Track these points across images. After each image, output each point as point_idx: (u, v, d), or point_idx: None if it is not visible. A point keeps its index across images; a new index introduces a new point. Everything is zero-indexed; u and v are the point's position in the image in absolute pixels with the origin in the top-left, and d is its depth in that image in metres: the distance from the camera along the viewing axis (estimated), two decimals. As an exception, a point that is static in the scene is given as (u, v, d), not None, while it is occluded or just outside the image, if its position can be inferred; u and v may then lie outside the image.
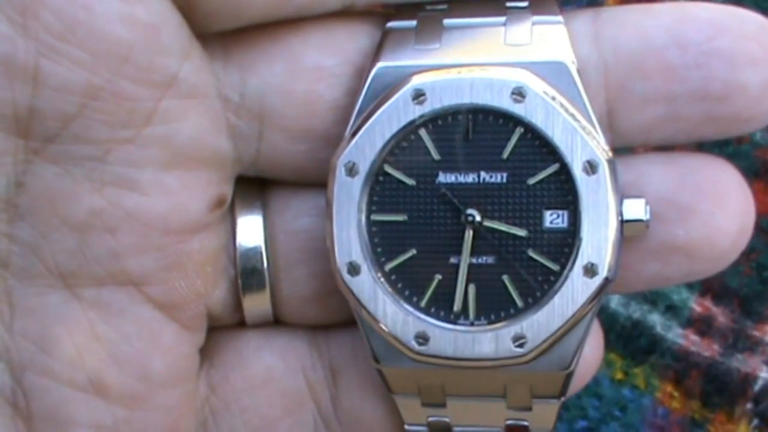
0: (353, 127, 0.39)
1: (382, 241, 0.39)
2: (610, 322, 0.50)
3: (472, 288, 0.38)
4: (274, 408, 0.42)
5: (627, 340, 0.51)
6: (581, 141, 0.37)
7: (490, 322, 0.38)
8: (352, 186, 0.38)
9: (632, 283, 0.40)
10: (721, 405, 0.50)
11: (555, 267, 0.38)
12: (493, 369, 0.38)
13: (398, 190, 0.39)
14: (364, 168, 0.38)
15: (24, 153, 0.37)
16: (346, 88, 0.39)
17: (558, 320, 0.37)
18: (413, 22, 0.39)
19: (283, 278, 0.42)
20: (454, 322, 0.38)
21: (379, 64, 0.39)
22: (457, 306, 0.38)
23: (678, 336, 0.50)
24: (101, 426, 0.39)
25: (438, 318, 0.38)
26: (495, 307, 0.38)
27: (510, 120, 0.38)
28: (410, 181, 0.39)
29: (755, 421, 0.50)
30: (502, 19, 0.39)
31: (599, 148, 0.37)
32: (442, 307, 0.39)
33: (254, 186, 0.42)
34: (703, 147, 0.42)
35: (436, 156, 0.38)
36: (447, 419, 0.41)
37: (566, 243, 0.38)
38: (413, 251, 0.39)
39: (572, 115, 0.37)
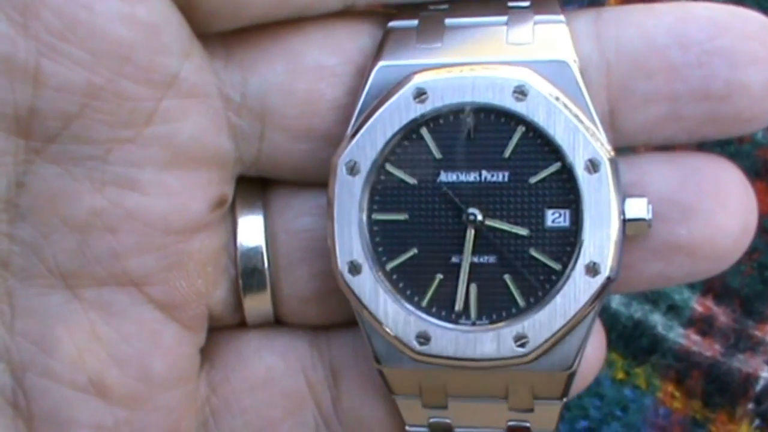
0: (354, 126, 0.39)
1: (384, 241, 0.39)
2: (611, 322, 0.50)
3: (473, 287, 0.38)
4: (274, 408, 0.42)
5: (628, 340, 0.51)
6: (583, 140, 0.37)
7: (492, 322, 0.38)
8: (354, 185, 0.38)
9: (634, 283, 0.40)
10: (722, 405, 0.50)
11: (557, 266, 0.38)
12: (494, 369, 0.38)
13: (399, 189, 0.39)
14: (365, 167, 0.38)
15: (25, 153, 0.37)
16: (347, 87, 0.40)
17: (560, 320, 0.37)
18: (415, 22, 0.39)
19: (284, 278, 0.42)
20: (456, 322, 0.38)
21: (381, 63, 0.39)
22: (458, 305, 0.38)
23: (679, 336, 0.50)
24: (102, 426, 0.39)
25: (439, 318, 0.38)
26: (496, 306, 0.38)
27: (512, 119, 0.38)
28: (411, 180, 0.39)
29: (757, 422, 0.50)
30: (504, 18, 0.39)
31: (601, 147, 0.37)
32: (443, 306, 0.39)
33: (255, 185, 0.42)
34: (704, 147, 0.42)
35: (437, 155, 0.38)
36: (448, 420, 0.41)
37: (568, 242, 0.38)
38: (414, 250, 0.39)
39: (574, 114, 0.37)
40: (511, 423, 0.41)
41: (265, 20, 0.39)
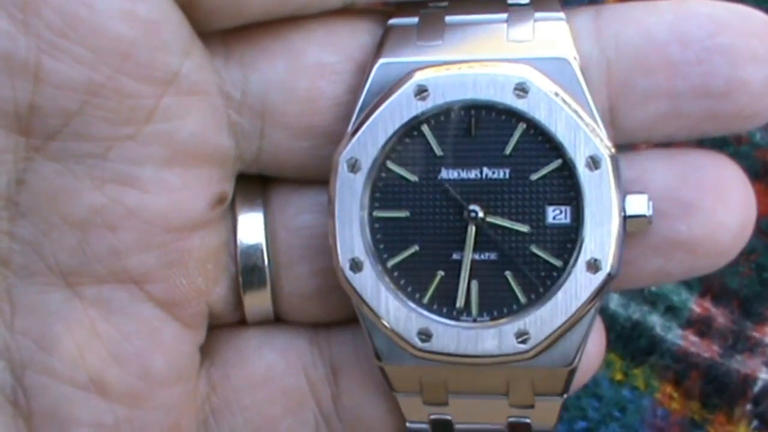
0: (355, 123, 0.39)
1: (385, 238, 0.39)
2: (609, 322, 0.50)
3: (474, 284, 0.39)
4: (274, 406, 0.42)
5: (627, 340, 0.51)
6: (584, 137, 0.37)
7: (493, 319, 0.38)
8: (355, 182, 0.38)
9: (634, 279, 0.40)
10: (720, 406, 0.50)
11: (558, 263, 0.38)
12: (495, 366, 0.39)
13: (400, 187, 0.39)
14: (366, 164, 0.38)
15: (25, 150, 0.37)
16: (347, 84, 0.40)
17: (561, 316, 0.38)
18: (415, 19, 0.40)
19: (284, 276, 0.42)
20: (457, 319, 0.39)
21: (381, 61, 0.39)
22: (459, 302, 0.39)
23: (677, 337, 0.50)
24: (102, 425, 0.39)
25: (441, 314, 0.39)
26: (498, 303, 0.38)
27: (513, 116, 0.38)
28: (413, 177, 0.39)
29: (755, 423, 0.50)
30: (504, 15, 0.39)
31: (602, 144, 0.37)
32: (444, 303, 0.39)
33: (255, 183, 0.42)
34: (702, 146, 0.42)
35: (438, 152, 0.39)
36: (449, 417, 0.41)
37: (569, 239, 0.38)
38: (416, 247, 0.39)
39: (575, 111, 0.37)
40: (511, 419, 0.41)
41: (265, 18, 0.39)
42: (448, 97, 0.38)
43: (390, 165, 0.39)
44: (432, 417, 0.41)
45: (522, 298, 0.38)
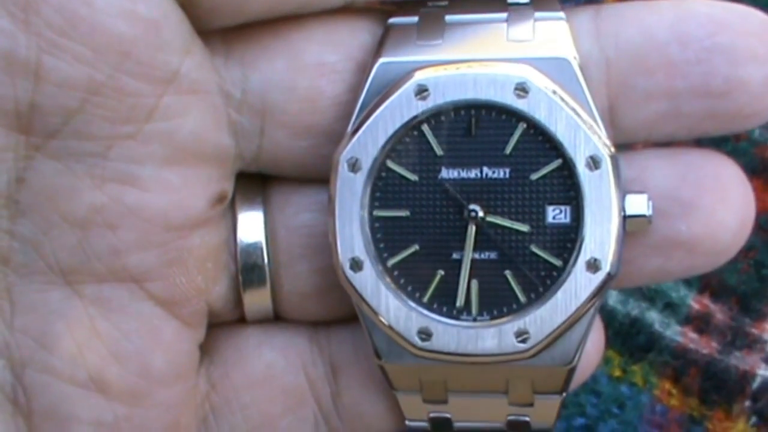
0: (355, 123, 0.39)
1: (385, 237, 0.39)
2: (608, 319, 0.50)
3: (474, 283, 0.39)
4: (274, 405, 0.42)
5: (625, 337, 0.51)
6: (584, 136, 0.38)
7: (493, 318, 0.39)
8: (355, 182, 0.39)
9: (634, 278, 0.41)
10: (719, 402, 0.50)
11: (558, 262, 0.38)
12: (495, 364, 0.39)
13: (401, 186, 0.39)
14: (366, 164, 0.39)
15: (25, 149, 0.37)
16: (348, 84, 0.40)
17: (561, 315, 0.38)
18: (415, 18, 0.40)
19: (284, 274, 0.42)
20: (457, 318, 0.39)
21: (382, 60, 0.39)
22: (459, 301, 0.39)
23: (676, 333, 0.51)
24: (102, 423, 0.39)
25: (441, 314, 0.39)
26: (498, 302, 0.39)
27: (513, 115, 0.38)
28: (413, 177, 0.39)
29: (753, 419, 0.50)
30: (504, 15, 0.39)
31: (602, 144, 0.38)
32: (444, 302, 0.39)
33: (255, 182, 0.42)
34: (701, 144, 0.42)
35: (438, 151, 0.39)
36: (448, 415, 0.41)
37: (569, 238, 0.38)
38: (416, 247, 0.39)
39: (575, 111, 0.38)
40: (510, 418, 0.41)
41: (266, 17, 0.39)
42: (448, 96, 0.38)
43: (390, 164, 0.39)
44: (431, 415, 0.41)
45: (522, 298, 0.39)
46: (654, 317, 0.51)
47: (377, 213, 0.39)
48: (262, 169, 0.41)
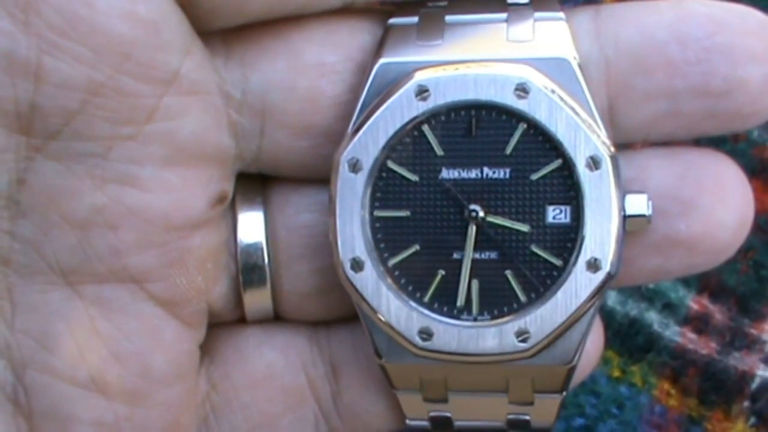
0: (356, 123, 0.39)
1: (386, 237, 0.39)
2: (607, 319, 0.51)
3: (475, 283, 0.39)
4: (274, 404, 0.42)
5: (624, 337, 0.51)
6: (584, 137, 0.38)
7: (494, 317, 0.39)
8: (356, 182, 0.39)
9: (633, 277, 0.41)
10: (718, 403, 0.50)
11: (558, 262, 0.39)
12: (495, 364, 0.39)
13: (401, 186, 0.39)
14: (367, 164, 0.39)
15: (26, 150, 0.37)
16: (348, 84, 0.40)
17: (561, 315, 0.38)
18: (415, 19, 0.40)
19: (284, 274, 0.42)
20: (458, 318, 0.39)
21: (382, 60, 0.39)
22: (460, 301, 0.39)
23: (675, 334, 0.51)
24: (102, 423, 0.39)
25: (441, 313, 0.39)
26: (498, 302, 0.39)
27: (513, 116, 0.38)
28: (413, 177, 0.39)
29: (752, 419, 0.50)
30: (504, 15, 0.40)
31: (602, 144, 0.38)
32: (445, 302, 0.39)
33: (255, 182, 0.42)
34: (700, 144, 0.43)
35: (439, 152, 0.39)
36: (448, 414, 0.42)
37: (569, 238, 0.38)
38: (416, 247, 0.39)
39: (575, 111, 0.38)
40: (510, 416, 0.41)
41: (265, 18, 0.40)
42: (448, 97, 0.38)
43: (391, 165, 0.39)
44: (432, 414, 0.42)
45: (522, 297, 0.39)
46: (653, 318, 0.51)
47: (378, 213, 0.39)
48: (262, 169, 0.42)
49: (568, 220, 0.38)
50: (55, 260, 0.38)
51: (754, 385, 0.50)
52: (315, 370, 0.42)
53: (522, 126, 0.38)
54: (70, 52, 0.36)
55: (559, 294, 0.38)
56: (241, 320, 0.43)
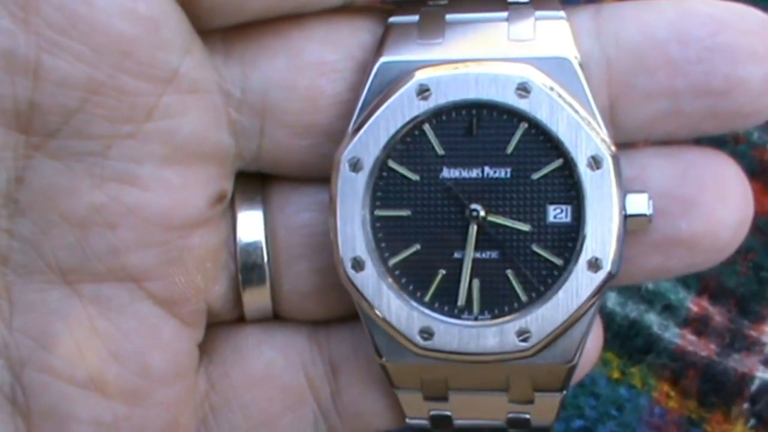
0: (357, 122, 0.40)
1: (386, 237, 0.40)
2: (607, 321, 0.51)
3: (476, 283, 0.39)
4: (274, 403, 0.43)
5: (624, 339, 0.51)
6: (586, 136, 0.38)
7: (494, 317, 0.39)
8: (356, 181, 0.39)
9: (633, 276, 0.41)
10: (717, 405, 0.51)
11: (559, 261, 0.39)
12: (496, 363, 0.39)
13: (402, 186, 0.40)
14: (368, 163, 0.39)
15: (24, 148, 0.38)
16: (348, 82, 0.40)
17: (562, 314, 0.38)
18: (415, 17, 0.40)
19: (284, 273, 0.42)
20: (458, 317, 0.39)
21: (383, 59, 0.40)
22: (461, 301, 0.39)
23: (675, 335, 0.51)
24: (101, 423, 0.40)
25: (442, 313, 0.39)
26: (499, 301, 0.39)
27: (514, 115, 0.39)
28: (414, 177, 0.39)
29: (752, 421, 0.51)
30: (504, 14, 0.40)
31: (603, 144, 0.38)
32: (446, 301, 0.40)
33: (255, 181, 0.43)
34: (700, 144, 0.43)
35: (440, 151, 0.39)
36: (448, 413, 0.42)
37: (570, 237, 0.39)
38: (417, 246, 0.40)
39: (576, 111, 0.38)
40: (510, 415, 0.42)
41: (265, 16, 0.40)
42: (450, 96, 0.39)
43: (391, 164, 0.39)
44: (432, 413, 0.42)
45: (523, 297, 0.39)
46: (653, 319, 0.51)
47: (378, 212, 0.40)
48: (262, 168, 0.42)
49: (569, 219, 0.39)
50: (54, 259, 0.39)
51: (754, 386, 0.51)
52: (314, 369, 0.43)
53: (523, 125, 0.39)
54: (70, 50, 0.37)
55: (560, 293, 0.39)
56: (240, 319, 0.43)
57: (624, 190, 0.39)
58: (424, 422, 0.42)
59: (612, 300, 0.51)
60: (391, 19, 0.40)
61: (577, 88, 0.39)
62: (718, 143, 0.44)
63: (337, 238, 0.39)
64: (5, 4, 0.36)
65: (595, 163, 0.38)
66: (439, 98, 0.39)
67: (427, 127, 0.39)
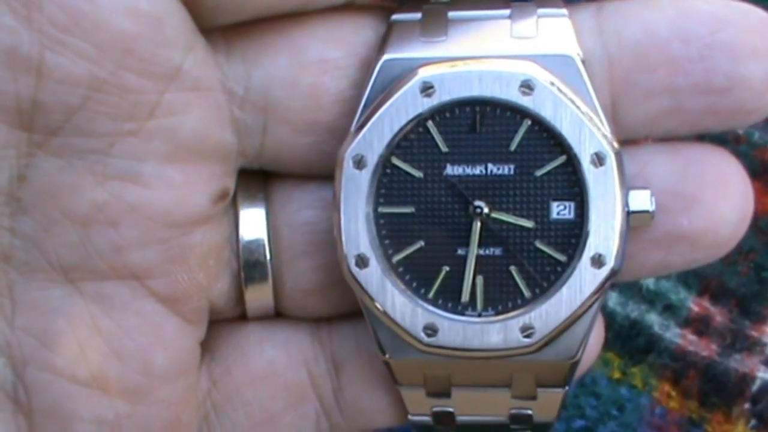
0: (360, 119, 0.40)
1: (390, 234, 0.40)
2: (607, 321, 0.51)
3: (479, 279, 0.40)
4: (276, 401, 0.43)
5: (625, 339, 0.52)
6: (589, 133, 0.39)
7: (498, 313, 0.40)
8: (360, 178, 0.40)
9: (635, 272, 0.42)
10: (718, 405, 0.51)
11: (562, 258, 0.40)
12: (500, 359, 0.40)
13: (406, 183, 0.40)
14: (372, 161, 0.40)
15: (27, 146, 0.38)
16: (351, 80, 0.41)
17: (565, 311, 0.39)
18: (418, 15, 0.41)
19: (286, 271, 0.43)
20: (462, 314, 0.40)
21: (386, 57, 0.40)
22: (464, 297, 0.40)
23: (676, 336, 0.52)
24: (103, 421, 0.40)
25: (446, 309, 0.40)
26: (503, 297, 0.40)
27: (518, 112, 0.40)
28: (418, 174, 0.40)
29: (753, 422, 0.51)
30: (507, 12, 0.41)
31: (606, 141, 0.39)
32: (450, 298, 0.40)
33: (257, 178, 0.43)
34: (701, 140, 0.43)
35: (444, 148, 0.40)
36: (451, 409, 0.43)
37: (573, 234, 0.40)
38: (421, 243, 0.40)
39: (580, 108, 0.39)
40: (513, 411, 0.42)
41: (268, 14, 0.41)
42: (453, 93, 0.40)
43: (395, 161, 0.40)
44: (435, 410, 0.43)
45: (527, 293, 0.40)
46: (654, 319, 0.52)
47: (382, 209, 0.40)
48: (265, 165, 0.43)
49: (572, 216, 0.40)
50: (56, 257, 0.39)
51: (755, 387, 0.51)
52: (316, 366, 0.43)
53: (527, 122, 0.40)
54: (72, 47, 0.37)
55: (564, 289, 0.39)
56: (243, 317, 0.44)
57: (627, 186, 0.40)
58: (427, 419, 0.43)
59: (613, 300, 0.52)
60: (394, 17, 0.41)
61: (580, 85, 0.39)
62: (719, 142, 0.45)
63: (341, 235, 0.40)
64: (8, 2, 0.36)
65: (599, 159, 0.39)
66: (442, 95, 0.40)
67: (430, 124, 0.40)
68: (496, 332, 0.40)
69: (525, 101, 0.39)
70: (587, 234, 0.39)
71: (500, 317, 0.40)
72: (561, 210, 0.40)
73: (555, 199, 0.40)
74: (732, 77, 0.39)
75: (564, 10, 0.41)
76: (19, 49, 0.37)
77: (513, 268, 0.40)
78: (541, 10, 0.41)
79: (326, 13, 0.41)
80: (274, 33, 0.41)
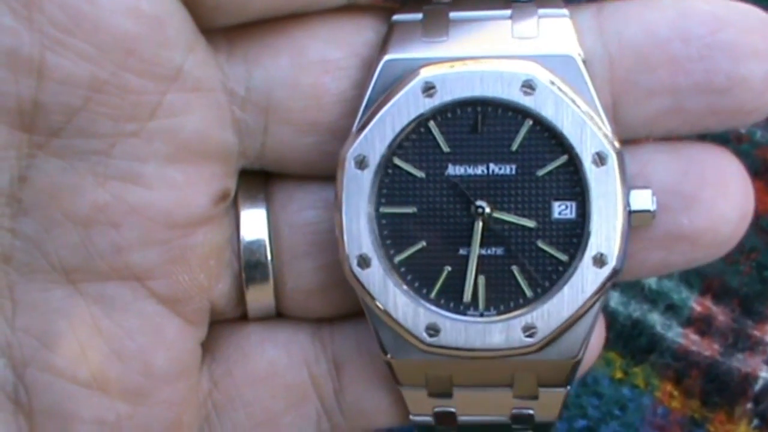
0: (361, 119, 0.41)
1: (392, 234, 0.41)
2: (609, 321, 0.52)
3: (481, 279, 0.41)
4: (277, 401, 0.44)
5: (627, 339, 0.52)
6: (590, 133, 0.40)
7: (500, 313, 0.41)
8: (362, 179, 0.40)
9: (636, 272, 0.43)
10: (721, 405, 0.52)
11: (564, 257, 0.40)
12: (502, 358, 0.41)
13: (408, 183, 0.41)
14: (373, 161, 0.40)
15: (28, 147, 0.39)
16: (352, 80, 0.42)
17: (567, 310, 0.40)
18: (419, 15, 0.41)
19: (287, 271, 0.44)
20: (464, 313, 0.41)
21: (387, 57, 0.41)
22: (466, 297, 0.41)
23: (678, 335, 0.52)
24: (104, 422, 0.41)
25: (448, 309, 0.41)
26: (505, 297, 0.41)
27: (519, 112, 0.40)
28: (420, 174, 0.41)
29: (755, 421, 0.52)
30: (508, 12, 0.41)
31: (608, 140, 0.40)
32: (452, 298, 0.41)
33: (258, 179, 0.44)
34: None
35: (445, 148, 0.41)
36: (453, 409, 0.43)
37: (575, 233, 0.40)
38: (423, 243, 0.41)
39: (581, 108, 0.40)
40: (515, 411, 0.43)
41: (269, 15, 0.41)
42: (455, 93, 0.40)
43: (397, 161, 0.41)
44: (436, 410, 0.43)
45: (528, 293, 0.41)
46: (656, 319, 0.52)
47: (384, 210, 0.41)
48: (266, 166, 0.43)
49: (573, 215, 0.40)
50: (57, 258, 0.40)
51: (757, 386, 0.52)
52: (317, 367, 0.44)
53: (528, 122, 0.40)
54: (73, 48, 0.38)
55: (566, 289, 0.40)
56: (244, 317, 0.44)
57: (628, 186, 0.40)
58: (428, 419, 0.44)
59: (615, 299, 0.52)
60: (395, 17, 0.42)
61: (581, 85, 0.40)
62: (721, 142, 0.45)
63: (343, 235, 0.41)
64: (8, 3, 0.37)
65: (600, 159, 0.40)
66: (444, 95, 0.40)
67: (432, 124, 0.41)
68: (498, 332, 0.40)
69: (526, 101, 0.40)
70: (589, 233, 0.40)
71: (502, 317, 0.40)
72: (562, 210, 0.40)
73: (556, 199, 0.40)
74: (732, 77, 0.40)
75: (565, 11, 0.41)
76: (20, 50, 0.37)
77: (515, 268, 0.41)
78: (541, 11, 0.41)
79: (327, 13, 0.42)
80: (275, 33, 0.42)
